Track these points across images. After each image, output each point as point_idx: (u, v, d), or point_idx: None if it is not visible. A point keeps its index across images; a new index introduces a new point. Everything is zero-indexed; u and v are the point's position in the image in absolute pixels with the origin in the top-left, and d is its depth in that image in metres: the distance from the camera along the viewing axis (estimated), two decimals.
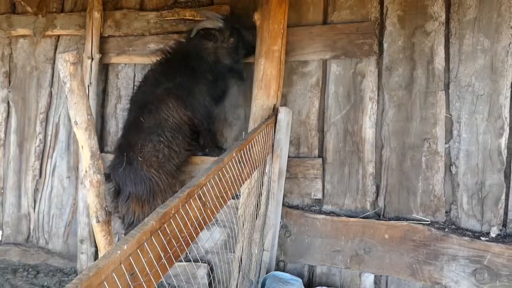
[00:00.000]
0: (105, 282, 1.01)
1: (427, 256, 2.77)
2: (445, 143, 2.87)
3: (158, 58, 3.30)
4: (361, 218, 2.98)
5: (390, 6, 3.02)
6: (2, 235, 4.03)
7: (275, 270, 2.99)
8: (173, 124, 3.04)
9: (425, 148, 2.90)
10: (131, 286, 1.10)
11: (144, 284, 1.16)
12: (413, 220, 2.88)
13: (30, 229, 3.97)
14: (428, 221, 2.86)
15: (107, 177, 2.95)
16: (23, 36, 4.00)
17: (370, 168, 3.03)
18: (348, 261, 2.97)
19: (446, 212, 2.87)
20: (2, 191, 4.04)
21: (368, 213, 3.02)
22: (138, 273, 1.14)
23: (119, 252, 1.07)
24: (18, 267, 3.76)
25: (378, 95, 3.04)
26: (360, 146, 3.06)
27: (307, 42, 3.21)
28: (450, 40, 2.87)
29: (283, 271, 3.06)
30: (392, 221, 2.88)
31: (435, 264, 2.76)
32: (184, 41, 3.29)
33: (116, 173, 2.95)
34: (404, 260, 2.82)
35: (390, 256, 2.86)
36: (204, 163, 3.27)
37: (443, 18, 2.89)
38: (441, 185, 2.86)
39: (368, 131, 3.04)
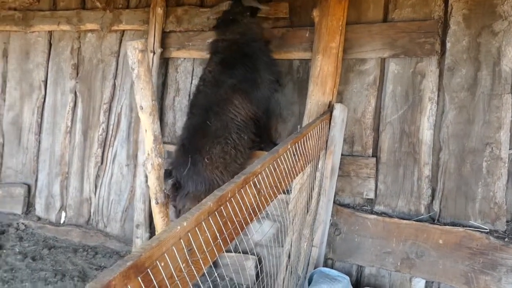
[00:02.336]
0: (165, 254, 1.07)
1: (483, 265, 2.66)
2: (510, 149, 2.73)
3: (209, 57, 3.33)
4: (414, 221, 2.90)
5: (455, 4, 2.92)
6: (65, 217, 4.29)
7: (323, 267, 2.98)
8: (240, 123, 3.05)
9: (487, 153, 2.78)
10: (189, 260, 1.16)
11: (200, 261, 1.21)
12: (470, 227, 2.77)
13: (90, 212, 4.21)
14: (486, 229, 2.74)
15: (169, 174, 3.00)
16: (91, 30, 4.24)
17: (426, 171, 2.95)
18: (399, 264, 2.90)
19: (507, 221, 2.74)
20: (67, 175, 4.30)
21: (422, 216, 2.94)
22: (196, 249, 1.20)
23: (179, 227, 1.13)
24: (78, 247, 3.99)
25: (438, 96, 2.95)
26: (416, 148, 2.98)
27: (365, 40, 3.17)
28: None
29: (331, 268, 3.05)
30: (447, 226, 2.79)
31: (493, 274, 2.63)
32: (221, 34, 3.31)
33: (179, 173, 2.98)
34: (459, 267, 2.72)
35: (444, 262, 2.76)
36: (257, 157, 3.31)
37: None
38: (503, 192, 2.73)
39: (426, 133, 2.96)
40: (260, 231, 3.13)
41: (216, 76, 3.16)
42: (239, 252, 3.25)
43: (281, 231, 2.86)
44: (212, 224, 1.28)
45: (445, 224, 2.84)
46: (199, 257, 1.20)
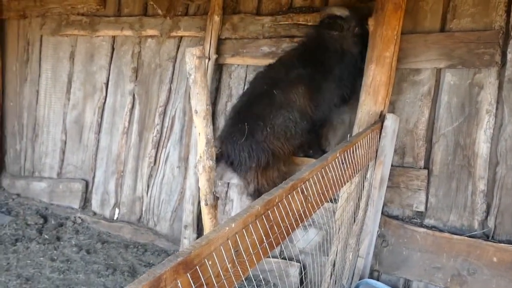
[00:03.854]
0: (214, 253, 1.12)
1: None
2: None
3: (296, 45, 3.38)
4: (467, 236, 2.81)
5: None
6: (118, 213, 4.50)
7: (368, 278, 2.94)
8: (299, 108, 3.04)
9: None
10: (236, 261, 1.20)
11: (246, 262, 1.26)
12: None
13: (142, 210, 4.38)
14: None
15: (221, 155, 3.00)
16: (151, 36, 4.42)
17: (482, 185, 2.84)
18: (449, 280, 2.81)
19: None
20: (122, 173, 4.51)
21: (475, 232, 2.83)
22: (242, 251, 1.24)
23: (227, 228, 1.18)
24: (129, 244, 4.17)
25: (497, 108, 2.84)
26: (471, 161, 2.89)
27: (421, 50, 3.11)
28: None
29: (377, 281, 3.00)
30: (502, 244, 2.68)
31: None
32: (313, 31, 3.33)
33: (232, 143, 2.95)
34: None
35: (498, 282, 2.65)
36: (305, 164, 3.33)
37: None
38: None
39: (482, 146, 2.86)
40: (305, 238, 3.14)
41: (293, 59, 3.19)
42: (284, 258, 3.27)
43: (327, 240, 2.86)
44: (259, 227, 1.32)
45: (500, 242, 2.73)
46: (245, 258, 1.24)
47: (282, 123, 2.98)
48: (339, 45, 3.18)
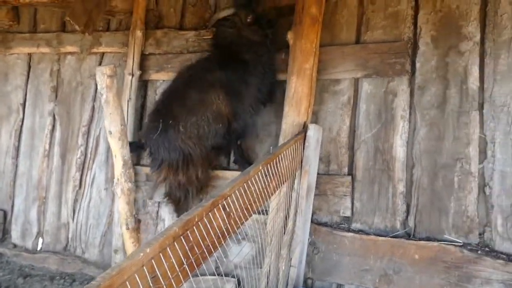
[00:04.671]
0: (127, 283, 1.07)
1: (459, 278, 2.70)
2: (479, 164, 2.81)
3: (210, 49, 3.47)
4: (390, 237, 2.94)
5: (424, 26, 3.03)
6: (42, 243, 4.22)
7: (302, 287, 2.98)
8: (216, 112, 3.10)
9: (457, 168, 2.84)
10: None
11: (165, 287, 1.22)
12: (444, 241, 2.81)
13: (68, 238, 4.13)
14: (460, 242, 2.78)
15: (142, 146, 3.12)
16: (71, 53, 4.25)
17: (401, 187, 3.00)
18: (377, 281, 2.92)
19: (480, 234, 2.79)
20: (44, 200, 4.25)
21: (398, 232, 2.97)
22: (160, 276, 1.20)
23: (141, 254, 1.14)
24: (55, 275, 3.91)
25: (410, 114, 3.03)
26: (390, 165, 3.04)
27: (339, 61, 3.24)
28: (485, 60, 2.84)
29: None
30: (422, 241, 2.83)
31: (468, 287, 2.67)
32: (214, 38, 3.47)
33: (149, 138, 3.04)
34: (435, 282, 2.75)
35: (420, 278, 2.79)
36: (227, 179, 3.33)
37: (477, 38, 2.87)
38: (474, 206, 2.79)
39: (399, 150, 3.02)
40: (239, 252, 3.13)
41: (211, 63, 3.27)
42: (220, 275, 3.23)
43: (260, 253, 2.86)
44: (178, 249, 1.29)
45: (420, 239, 2.88)
46: (163, 284, 1.20)
47: (195, 122, 3.04)
48: (240, 38, 3.31)
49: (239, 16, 3.32)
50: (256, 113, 3.37)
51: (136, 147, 3.23)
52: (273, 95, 3.40)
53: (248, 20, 3.29)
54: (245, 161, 3.38)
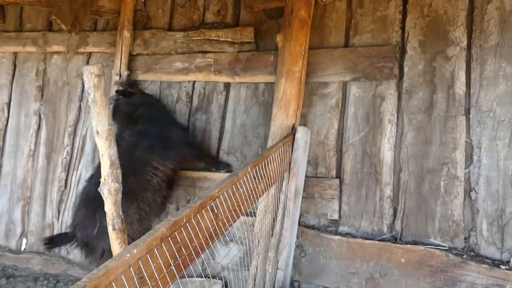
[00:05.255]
0: (113, 283, 1.06)
1: (444, 282, 2.72)
2: (465, 168, 2.84)
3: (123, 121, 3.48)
4: (377, 240, 2.95)
5: (412, 31, 3.06)
6: (26, 244, 4.15)
7: None
8: (156, 184, 3.12)
9: (444, 172, 2.87)
10: None
11: None
12: (430, 245, 2.83)
13: None
14: (446, 246, 2.81)
15: (71, 237, 3.02)
16: (57, 52, 4.21)
17: (388, 191, 3.02)
18: (363, 284, 2.93)
19: (465, 238, 2.82)
20: (29, 200, 4.18)
21: (384, 236, 2.99)
22: (147, 277, 1.18)
23: (128, 255, 1.12)
24: (39, 276, 3.85)
25: (397, 118, 3.05)
26: (378, 168, 3.05)
27: (328, 64, 3.26)
28: (471, 65, 2.88)
29: None
30: (409, 245, 2.84)
31: None
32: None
33: (86, 233, 2.93)
34: (421, 285, 2.77)
35: (406, 281, 2.81)
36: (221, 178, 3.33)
37: (464, 43, 2.91)
38: (460, 210, 2.82)
39: (387, 154, 3.04)
40: (227, 254, 3.11)
41: (133, 138, 3.28)
42: (208, 276, 3.21)
43: (247, 254, 2.85)
44: (165, 250, 1.28)
45: (406, 243, 2.90)
46: (150, 285, 1.18)
47: (136, 207, 3.02)
48: (141, 102, 3.53)
49: (128, 88, 3.61)
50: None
51: (64, 240, 3.15)
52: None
53: (134, 90, 3.61)
54: (212, 161, 3.50)
